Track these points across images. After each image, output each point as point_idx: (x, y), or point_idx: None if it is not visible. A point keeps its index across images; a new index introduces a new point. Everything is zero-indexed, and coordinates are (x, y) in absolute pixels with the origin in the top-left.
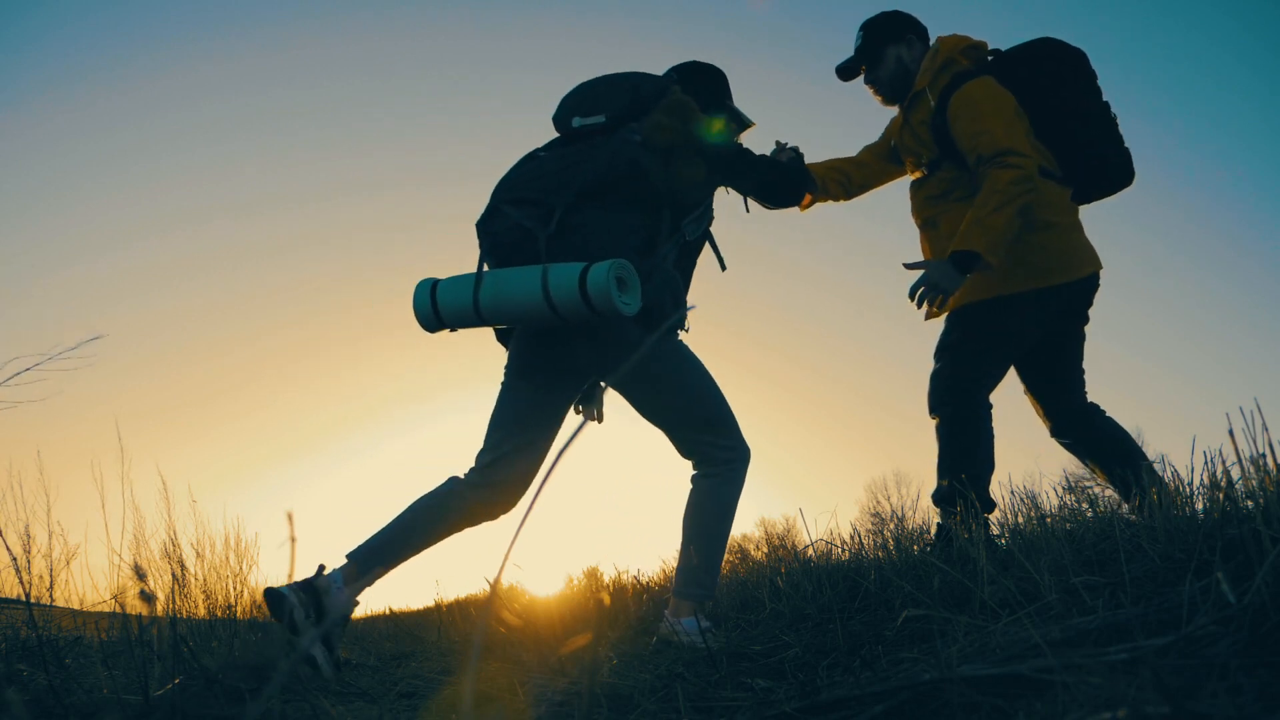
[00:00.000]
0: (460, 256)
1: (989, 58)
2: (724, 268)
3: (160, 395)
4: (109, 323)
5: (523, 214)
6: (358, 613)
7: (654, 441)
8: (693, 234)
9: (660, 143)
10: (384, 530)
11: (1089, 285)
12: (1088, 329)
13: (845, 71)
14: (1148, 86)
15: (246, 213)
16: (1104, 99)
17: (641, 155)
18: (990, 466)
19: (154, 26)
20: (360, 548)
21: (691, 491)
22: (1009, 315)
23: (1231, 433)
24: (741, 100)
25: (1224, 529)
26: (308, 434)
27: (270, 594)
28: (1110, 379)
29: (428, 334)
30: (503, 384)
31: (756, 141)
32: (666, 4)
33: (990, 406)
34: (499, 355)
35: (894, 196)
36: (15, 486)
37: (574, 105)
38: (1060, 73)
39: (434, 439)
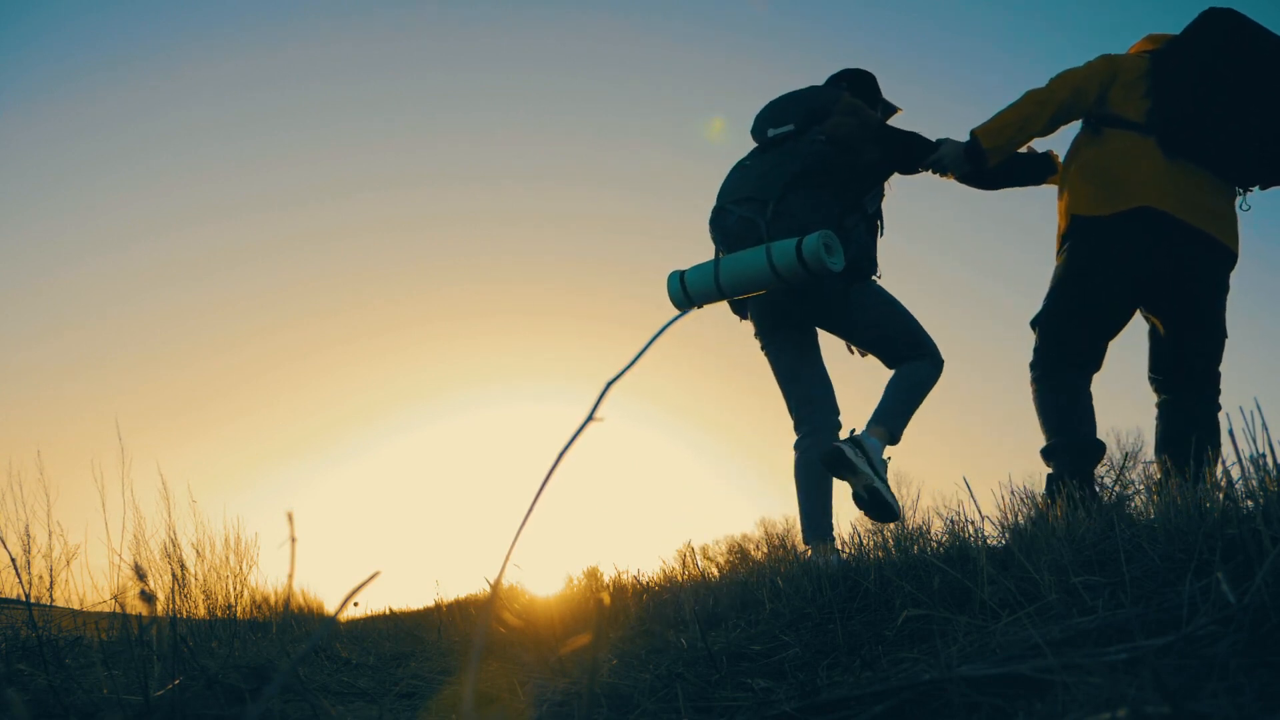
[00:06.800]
0: (459, 257)
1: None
2: (881, 233)
3: (160, 395)
4: (109, 323)
5: (744, 209)
6: (357, 613)
7: (654, 442)
8: (871, 208)
9: (841, 137)
10: (803, 501)
11: (1146, 220)
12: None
13: None
14: None
15: (246, 212)
16: (1229, 63)
17: (826, 150)
18: (1072, 433)
19: (154, 26)
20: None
21: (895, 371)
22: (1065, 258)
23: (1231, 433)
24: (743, 102)
25: (1224, 529)
26: (308, 434)
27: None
28: (1110, 378)
29: (409, 333)
30: (766, 354)
31: None
32: (666, 5)
33: (1082, 372)
34: (496, 357)
35: (897, 199)
36: (15, 486)
37: (766, 120)
38: (1196, 38)
39: (434, 438)
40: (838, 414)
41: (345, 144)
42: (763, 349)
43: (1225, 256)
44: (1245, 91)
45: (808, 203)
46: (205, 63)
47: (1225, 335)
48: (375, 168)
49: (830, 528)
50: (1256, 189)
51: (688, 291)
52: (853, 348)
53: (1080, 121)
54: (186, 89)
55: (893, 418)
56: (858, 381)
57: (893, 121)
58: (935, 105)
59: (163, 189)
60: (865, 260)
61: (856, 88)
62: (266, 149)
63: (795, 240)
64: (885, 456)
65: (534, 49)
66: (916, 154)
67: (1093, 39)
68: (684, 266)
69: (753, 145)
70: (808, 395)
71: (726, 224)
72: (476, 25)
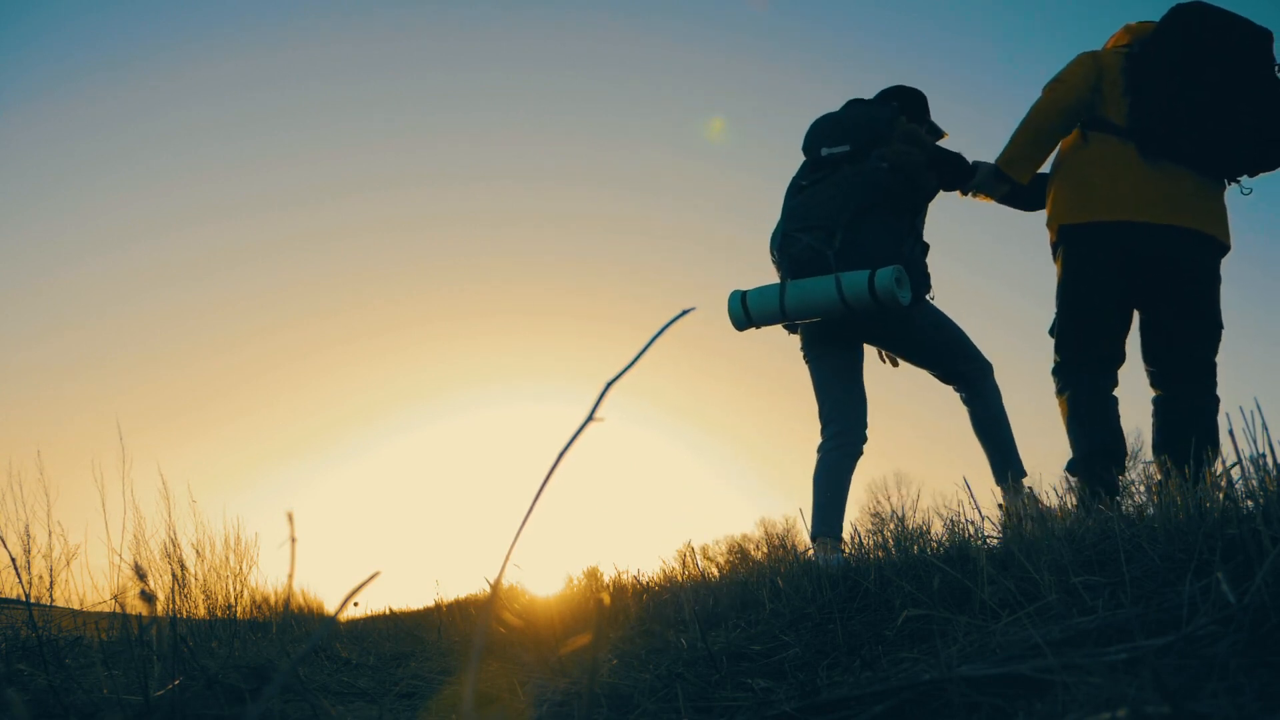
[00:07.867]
0: (460, 257)
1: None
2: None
3: (160, 395)
4: (109, 323)
5: (811, 238)
6: (357, 613)
7: (654, 442)
8: (920, 227)
9: (904, 165)
10: (817, 498)
11: (1127, 230)
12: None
13: None
14: None
15: (246, 212)
16: (1203, 59)
17: (889, 178)
18: (1091, 439)
19: (154, 26)
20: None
21: (970, 414)
22: (1061, 265)
23: (1231, 433)
24: (743, 102)
25: (1224, 529)
26: (308, 434)
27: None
28: None
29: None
30: (808, 363)
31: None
32: (666, 5)
33: (1101, 372)
34: (496, 357)
35: None
36: (15, 486)
37: (820, 137)
38: (1165, 38)
39: (434, 438)
40: (865, 427)
41: (345, 144)
42: (805, 359)
43: (1214, 248)
44: (1229, 87)
45: (874, 233)
46: (205, 63)
47: (1221, 326)
48: (375, 168)
49: (840, 527)
50: (1245, 177)
51: (749, 312)
52: (884, 356)
53: None
54: (186, 89)
55: (1007, 465)
56: (875, 395)
57: (938, 145)
58: (935, 106)
59: (163, 189)
60: (923, 281)
61: (907, 107)
62: (266, 149)
63: (867, 274)
64: (1027, 488)
65: (534, 49)
66: (960, 178)
67: (1092, 37)
68: (687, 267)
69: (786, 161)
70: (843, 401)
71: (794, 251)
72: (476, 25)
